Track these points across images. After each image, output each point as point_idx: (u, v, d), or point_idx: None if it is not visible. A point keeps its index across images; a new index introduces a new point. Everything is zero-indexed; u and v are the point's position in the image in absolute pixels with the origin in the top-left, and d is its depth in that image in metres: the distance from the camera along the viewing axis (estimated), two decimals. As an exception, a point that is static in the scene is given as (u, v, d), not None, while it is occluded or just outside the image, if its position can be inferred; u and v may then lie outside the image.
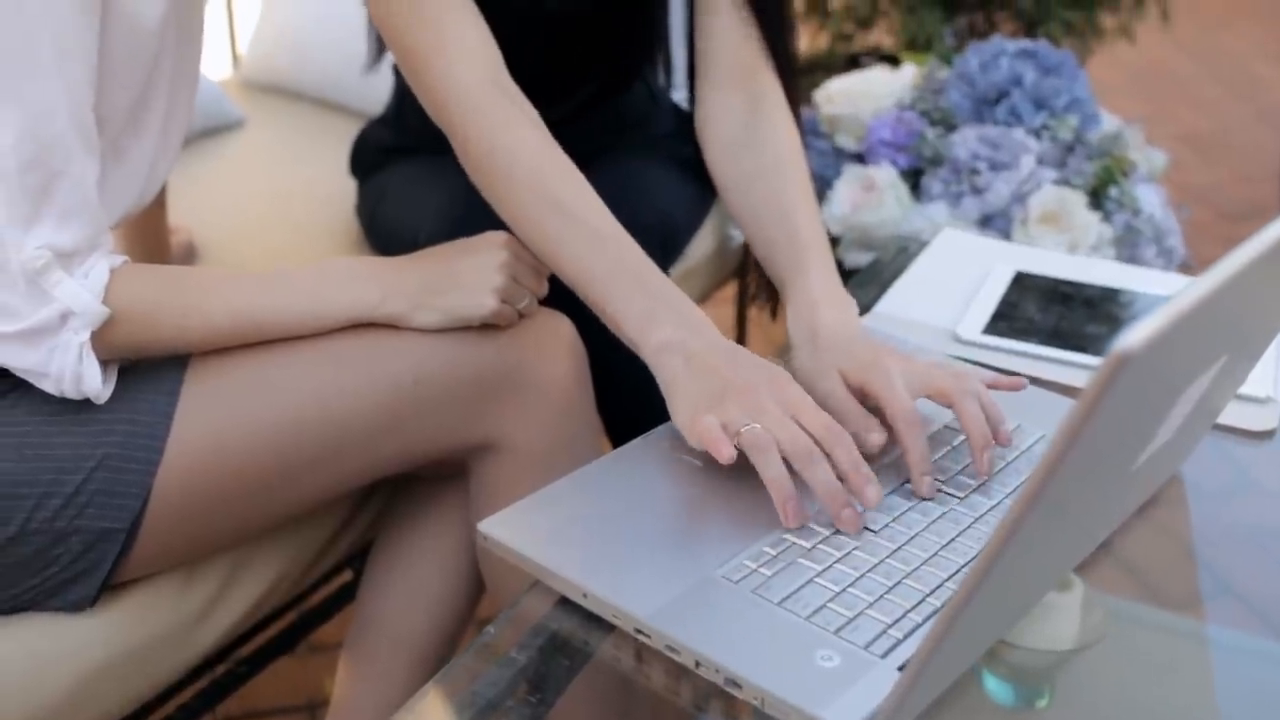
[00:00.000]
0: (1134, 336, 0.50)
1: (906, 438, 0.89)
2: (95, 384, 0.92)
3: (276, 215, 1.70)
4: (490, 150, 1.02)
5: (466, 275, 1.01)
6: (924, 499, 0.87)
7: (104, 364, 0.93)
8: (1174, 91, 4.21)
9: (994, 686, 0.76)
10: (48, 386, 0.91)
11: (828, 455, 0.85)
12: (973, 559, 0.81)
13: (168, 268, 0.97)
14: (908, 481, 0.89)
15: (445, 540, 1.15)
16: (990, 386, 0.95)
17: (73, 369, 0.90)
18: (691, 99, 1.31)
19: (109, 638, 0.99)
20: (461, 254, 1.03)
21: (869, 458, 0.88)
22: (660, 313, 0.95)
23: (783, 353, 1.04)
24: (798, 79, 1.31)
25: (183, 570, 1.04)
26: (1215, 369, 0.70)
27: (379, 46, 1.47)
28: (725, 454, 0.84)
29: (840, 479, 0.84)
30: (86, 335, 0.90)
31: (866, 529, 0.84)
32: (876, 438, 0.90)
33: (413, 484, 1.17)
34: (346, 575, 1.32)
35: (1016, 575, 0.63)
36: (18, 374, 0.92)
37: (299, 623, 1.33)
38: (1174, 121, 3.88)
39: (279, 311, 0.98)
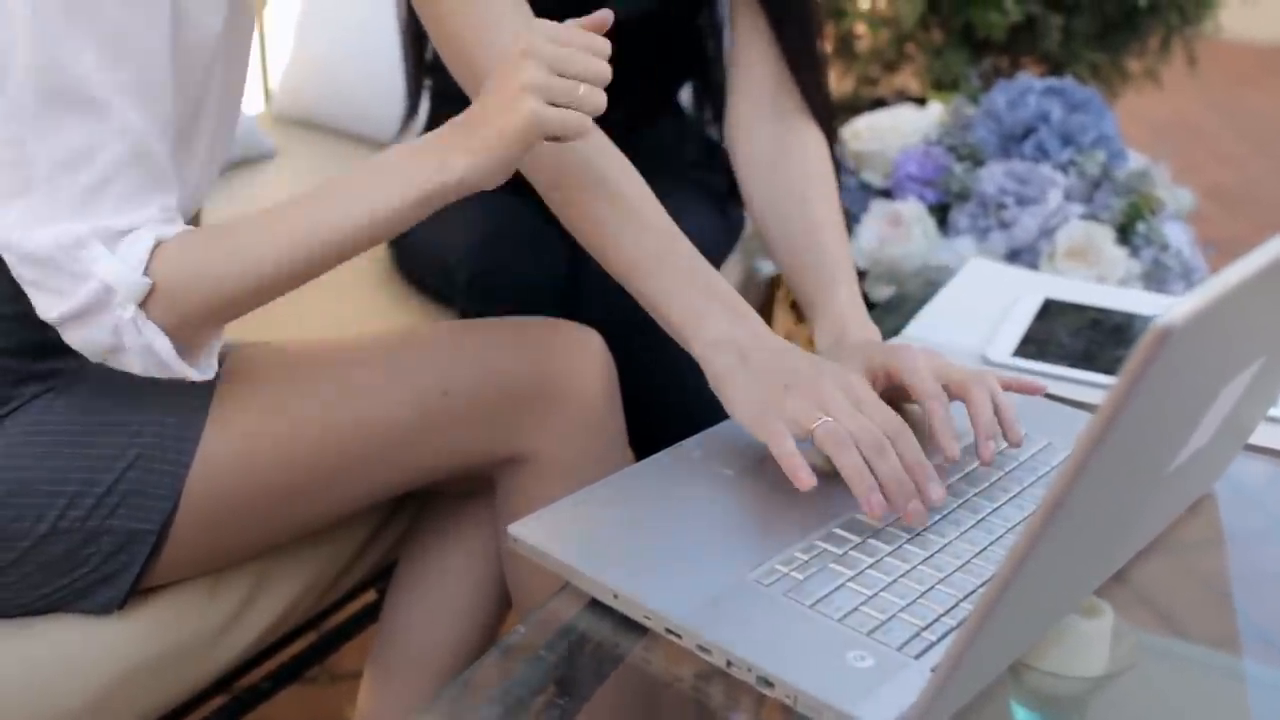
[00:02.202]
0: (1176, 312, 0.50)
1: (931, 410, 0.90)
2: (168, 351, 0.88)
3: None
4: None
5: (496, 93, 0.87)
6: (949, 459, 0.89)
7: (194, 344, 0.91)
8: (1199, 146, 4.22)
9: (1024, 717, 0.75)
10: (137, 368, 0.89)
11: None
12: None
13: (209, 225, 0.91)
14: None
15: (470, 556, 1.15)
16: (1005, 387, 0.95)
17: (142, 343, 0.87)
18: (720, 122, 1.32)
19: (134, 643, 0.99)
20: (491, 80, 0.90)
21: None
22: (712, 308, 0.94)
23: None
24: (831, 110, 1.31)
25: (209, 579, 1.04)
26: (1252, 370, 0.70)
27: (415, 98, 1.49)
28: (805, 481, 0.83)
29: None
30: (133, 309, 0.86)
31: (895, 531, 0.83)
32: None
33: (438, 500, 1.17)
34: (370, 595, 1.32)
35: (1054, 565, 0.62)
36: (112, 365, 0.90)
37: (320, 643, 1.32)
38: (1198, 175, 3.88)
39: (335, 229, 0.88)
